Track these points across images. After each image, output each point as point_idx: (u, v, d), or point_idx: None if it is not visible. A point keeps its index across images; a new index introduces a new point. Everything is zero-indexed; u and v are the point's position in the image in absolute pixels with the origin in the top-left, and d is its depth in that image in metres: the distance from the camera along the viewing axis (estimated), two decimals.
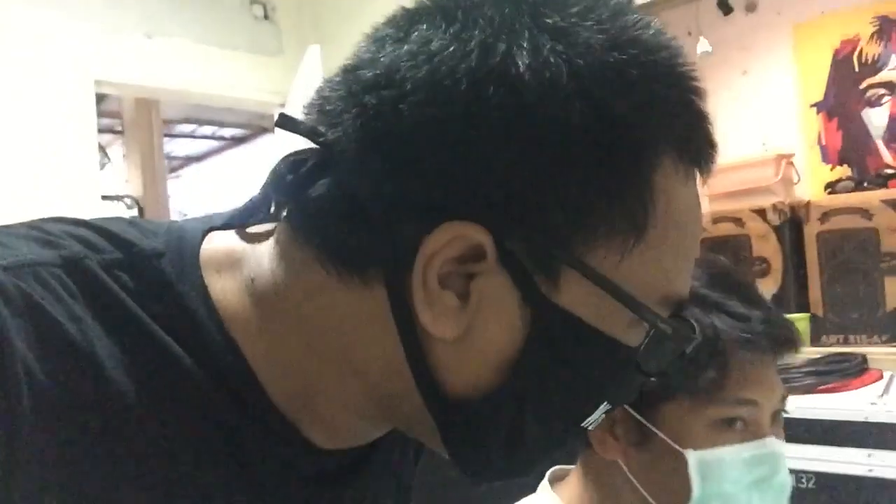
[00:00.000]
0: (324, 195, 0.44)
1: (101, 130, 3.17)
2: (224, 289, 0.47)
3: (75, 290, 0.42)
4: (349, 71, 0.44)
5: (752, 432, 0.84)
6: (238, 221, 0.51)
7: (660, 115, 0.43)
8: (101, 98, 3.03)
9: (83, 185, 2.94)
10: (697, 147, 0.46)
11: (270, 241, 0.48)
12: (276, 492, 0.48)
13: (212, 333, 0.45)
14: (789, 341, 0.86)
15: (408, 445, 0.61)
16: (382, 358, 0.45)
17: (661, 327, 0.45)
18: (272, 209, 0.50)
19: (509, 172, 0.41)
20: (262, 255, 0.48)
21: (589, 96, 0.41)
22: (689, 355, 0.78)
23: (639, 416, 0.84)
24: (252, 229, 0.50)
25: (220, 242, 0.49)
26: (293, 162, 0.45)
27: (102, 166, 4.15)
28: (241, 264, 0.48)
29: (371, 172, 0.42)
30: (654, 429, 0.84)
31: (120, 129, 4.87)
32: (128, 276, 0.44)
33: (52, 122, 2.74)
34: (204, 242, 0.48)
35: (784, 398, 0.87)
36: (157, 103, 4.47)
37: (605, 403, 0.48)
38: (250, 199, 0.51)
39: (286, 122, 0.45)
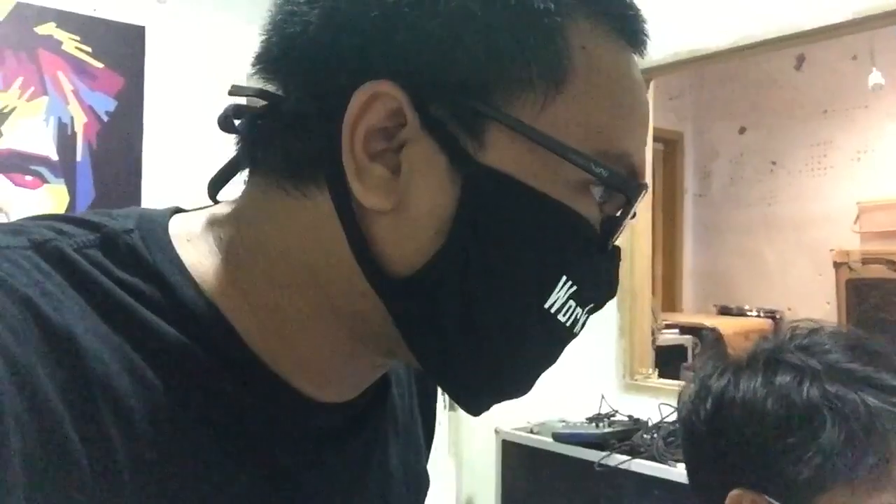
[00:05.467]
0: (272, 121, 0.47)
1: None
2: (197, 253, 0.48)
3: (47, 269, 0.42)
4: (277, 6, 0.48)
5: None
6: (212, 187, 0.53)
7: None
8: None
9: None
10: (615, 9, 0.47)
11: (235, 200, 0.50)
12: (277, 450, 0.48)
13: (187, 296, 0.46)
14: None
15: (412, 401, 0.63)
16: (339, 261, 0.45)
17: (594, 170, 0.45)
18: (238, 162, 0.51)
19: (414, 30, 0.43)
20: (228, 213, 0.50)
21: None
22: (844, 438, 0.71)
23: None
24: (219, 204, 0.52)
25: (188, 216, 0.51)
26: (236, 107, 0.49)
27: None
28: (210, 228, 0.49)
29: (297, 73, 0.46)
30: None
31: None
32: (99, 253, 0.45)
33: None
34: (172, 219, 0.50)
35: None
36: None
37: (568, 281, 0.46)
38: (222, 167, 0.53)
39: (234, 90, 0.50)
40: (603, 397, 2.45)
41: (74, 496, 0.39)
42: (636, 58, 0.49)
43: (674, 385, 2.53)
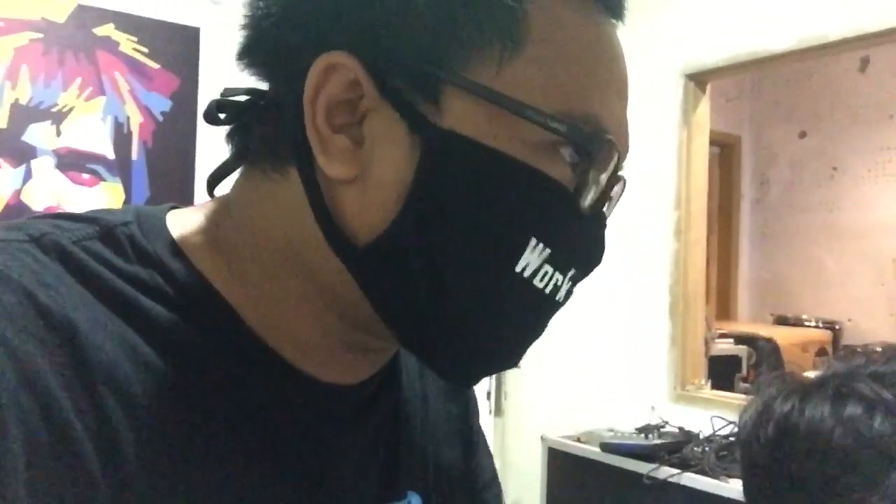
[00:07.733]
0: (254, 111, 0.49)
1: None
2: (193, 241, 0.49)
3: (45, 260, 0.43)
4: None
5: None
6: (210, 183, 0.53)
7: None
8: None
9: None
10: None
11: (227, 193, 0.51)
12: (283, 431, 0.48)
13: (187, 282, 0.46)
14: None
15: (413, 388, 0.62)
16: (311, 235, 0.46)
17: (551, 126, 0.44)
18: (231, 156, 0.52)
19: (366, 0, 0.43)
20: (221, 203, 0.51)
21: None
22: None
23: None
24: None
25: (184, 210, 0.52)
26: (219, 102, 0.50)
27: None
28: (204, 219, 0.50)
29: (270, 59, 0.48)
30: None
31: None
32: (98, 244, 0.45)
33: None
34: (169, 213, 0.51)
35: None
36: None
37: (539, 244, 0.45)
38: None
39: (225, 92, 0.50)
40: (653, 408, 2.40)
41: (79, 483, 0.39)
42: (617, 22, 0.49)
43: (727, 397, 2.47)
